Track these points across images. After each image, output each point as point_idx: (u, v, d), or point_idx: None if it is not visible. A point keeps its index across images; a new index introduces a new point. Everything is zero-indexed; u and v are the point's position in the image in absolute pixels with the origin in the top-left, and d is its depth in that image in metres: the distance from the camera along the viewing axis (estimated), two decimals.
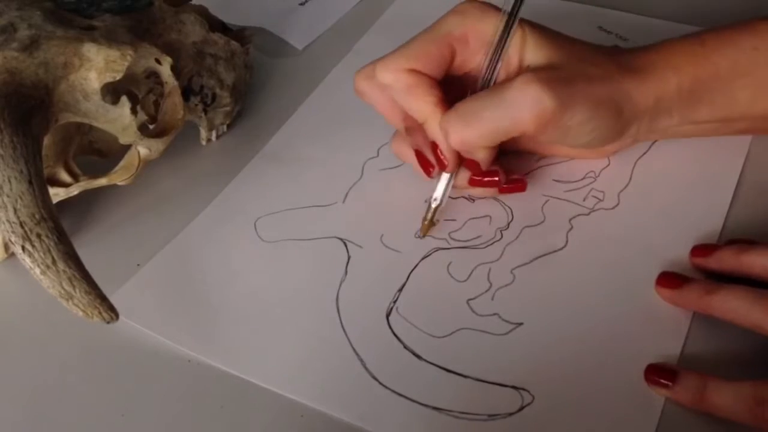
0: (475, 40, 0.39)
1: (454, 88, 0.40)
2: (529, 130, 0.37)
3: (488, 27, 0.39)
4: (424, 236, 0.42)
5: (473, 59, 0.40)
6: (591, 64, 0.39)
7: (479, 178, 0.41)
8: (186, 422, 0.36)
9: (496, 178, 0.41)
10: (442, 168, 0.40)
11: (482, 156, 0.39)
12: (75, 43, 0.40)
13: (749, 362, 0.34)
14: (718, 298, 0.34)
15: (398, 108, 0.41)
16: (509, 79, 0.38)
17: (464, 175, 0.41)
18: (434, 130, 0.39)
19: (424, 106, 0.39)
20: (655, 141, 0.44)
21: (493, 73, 0.39)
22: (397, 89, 0.39)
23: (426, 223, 0.41)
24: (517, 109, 0.37)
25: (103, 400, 0.37)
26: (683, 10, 0.53)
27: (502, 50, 0.39)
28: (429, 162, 0.41)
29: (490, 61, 0.39)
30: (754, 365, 0.34)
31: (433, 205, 0.41)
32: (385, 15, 0.58)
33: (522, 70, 0.39)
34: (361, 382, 0.36)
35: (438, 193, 0.41)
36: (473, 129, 0.38)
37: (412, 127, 0.41)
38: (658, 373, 0.34)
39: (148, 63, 0.43)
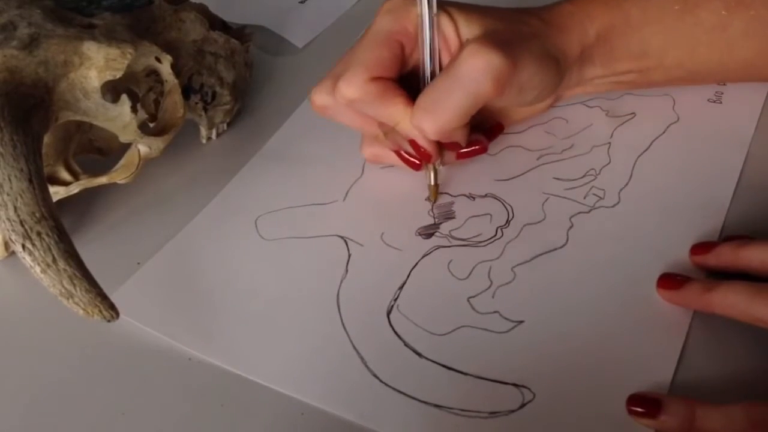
0: (414, 29, 0.40)
1: (409, 82, 0.41)
2: (491, 95, 0.38)
3: (416, 13, 0.40)
4: (434, 201, 0.43)
5: (417, 50, 0.41)
6: (520, 23, 0.41)
7: (466, 151, 0.42)
8: (186, 420, 0.35)
9: (479, 145, 0.42)
10: (427, 160, 0.41)
11: (459, 136, 0.40)
12: (75, 41, 0.40)
13: (749, 360, 0.34)
14: (717, 295, 0.34)
15: (368, 117, 0.41)
16: (454, 57, 0.39)
17: (450, 154, 0.42)
18: (409, 129, 0.40)
19: (394, 109, 0.39)
20: (655, 140, 0.44)
21: (434, 58, 0.40)
22: (366, 101, 0.39)
23: (432, 185, 0.43)
24: (475, 81, 0.38)
25: (103, 399, 0.37)
26: None
27: (431, 33, 0.40)
28: (413, 158, 0.42)
29: (426, 47, 0.40)
30: (754, 363, 0.34)
31: (432, 173, 0.42)
32: None
33: (462, 45, 0.39)
34: (361, 380, 0.36)
35: (431, 178, 0.43)
36: (443, 117, 0.38)
37: (388, 130, 0.41)
38: (640, 403, 0.32)
39: (148, 61, 0.43)
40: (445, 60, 0.41)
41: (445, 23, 0.40)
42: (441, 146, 0.41)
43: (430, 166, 0.42)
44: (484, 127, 0.44)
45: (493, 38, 0.38)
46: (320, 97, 0.41)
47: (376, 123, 0.41)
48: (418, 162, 0.42)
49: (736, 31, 0.42)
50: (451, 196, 0.43)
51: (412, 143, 0.40)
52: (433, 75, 0.41)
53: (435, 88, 0.39)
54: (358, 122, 0.42)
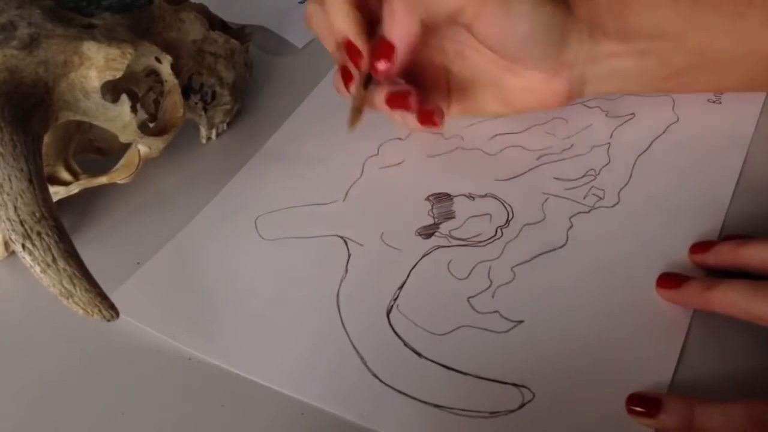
0: None
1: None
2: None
3: None
4: (352, 128, 0.41)
5: None
6: None
7: (394, 95, 0.41)
8: (186, 420, 0.36)
9: (409, 98, 0.41)
10: (356, 62, 0.40)
11: (405, 31, 0.39)
12: (75, 41, 0.40)
13: (749, 359, 0.34)
14: (717, 293, 0.34)
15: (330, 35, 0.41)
16: None
17: (380, 95, 0.41)
18: (342, 24, 0.39)
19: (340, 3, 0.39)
20: (655, 139, 0.44)
21: None
22: None
23: (354, 106, 0.41)
24: None
25: (103, 399, 0.37)
26: None
27: None
28: (349, 72, 0.41)
29: None
30: (754, 361, 0.34)
31: (357, 90, 0.41)
32: None
33: None
34: (361, 380, 0.36)
35: (355, 97, 0.41)
36: None
37: (340, 46, 0.41)
38: (640, 402, 0.32)
39: (148, 61, 0.43)
40: None
41: None
42: (372, 61, 0.40)
43: (359, 84, 0.41)
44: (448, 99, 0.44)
45: None
46: (311, 5, 0.42)
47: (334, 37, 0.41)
48: (350, 79, 0.41)
49: (757, 21, 0.40)
50: (451, 195, 0.43)
51: (347, 44, 0.40)
52: None
53: None
54: (322, 30, 0.42)
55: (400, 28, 0.39)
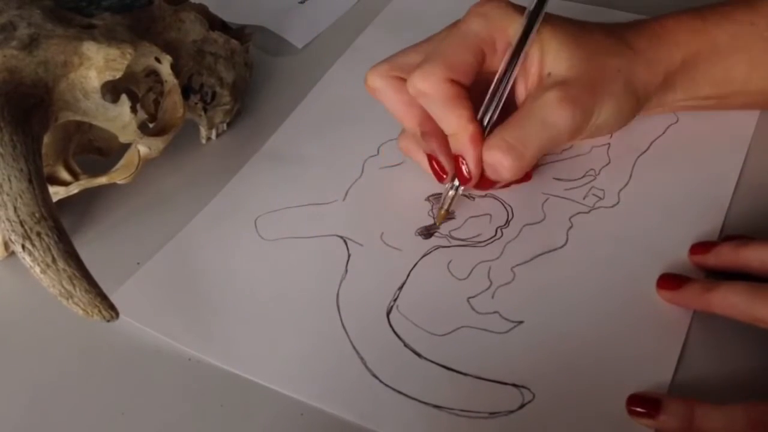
0: (501, 43, 0.39)
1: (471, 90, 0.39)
2: (565, 143, 0.39)
3: (512, 28, 0.38)
4: (439, 225, 0.42)
5: (496, 62, 0.39)
6: (609, 54, 0.39)
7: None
8: (186, 421, 0.35)
9: (528, 178, 0.42)
10: (464, 182, 0.40)
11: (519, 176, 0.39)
12: (75, 41, 0.40)
13: (749, 360, 0.34)
14: (717, 295, 0.34)
15: (415, 110, 0.40)
16: (534, 94, 0.38)
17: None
18: (462, 144, 0.38)
19: (457, 120, 0.38)
20: (655, 140, 0.44)
21: (510, 79, 0.39)
22: (435, 100, 0.38)
23: (442, 212, 0.41)
24: (556, 131, 0.37)
25: (102, 399, 0.37)
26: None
27: (520, 55, 0.38)
28: (443, 169, 0.40)
29: (507, 65, 0.39)
30: (754, 363, 0.34)
31: (451, 193, 0.41)
32: (384, 12, 0.58)
33: (543, 79, 0.39)
34: (361, 381, 0.36)
35: (446, 203, 0.41)
36: (524, 162, 0.38)
37: (429, 133, 0.40)
38: (640, 403, 0.33)
39: (148, 61, 0.43)
40: (518, 84, 0.40)
41: (534, 48, 0.38)
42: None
43: (452, 186, 0.41)
44: None
45: (576, 86, 0.38)
46: (374, 79, 0.41)
47: (418, 121, 0.40)
48: (445, 174, 0.40)
49: None
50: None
51: (456, 159, 0.39)
52: (502, 98, 0.39)
53: (521, 127, 0.38)
54: (403, 112, 0.41)
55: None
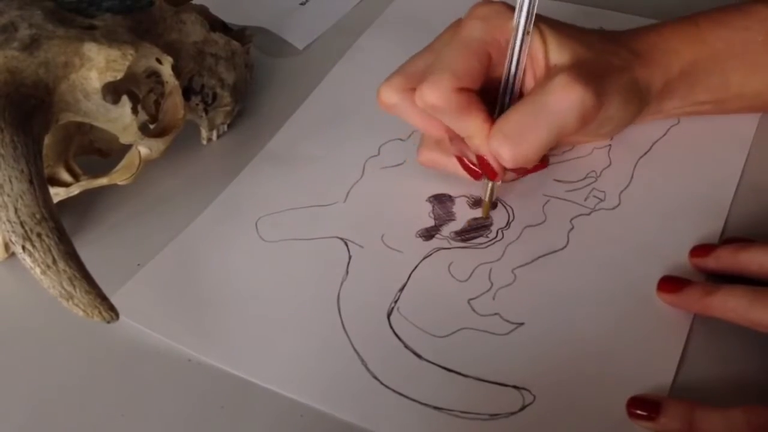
0: (505, 42, 0.39)
1: (485, 94, 0.39)
2: (575, 130, 0.37)
3: (512, 25, 0.38)
4: (486, 217, 0.42)
5: (502, 63, 0.39)
6: (610, 53, 0.39)
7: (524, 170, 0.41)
8: (186, 422, 0.35)
9: (544, 164, 0.41)
10: (492, 177, 0.40)
11: (531, 165, 0.39)
12: (76, 42, 0.40)
13: (750, 363, 0.34)
14: (717, 299, 0.34)
15: (436, 120, 0.39)
16: (540, 83, 0.38)
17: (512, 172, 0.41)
18: (481, 145, 0.38)
19: (472, 123, 0.38)
20: (656, 142, 0.44)
21: (516, 75, 0.39)
22: (447, 110, 0.38)
23: (486, 203, 0.42)
24: (562, 116, 0.36)
25: (103, 400, 0.37)
26: (686, 13, 0.53)
27: (521, 50, 0.38)
28: (476, 169, 0.40)
29: (513, 62, 0.38)
30: (754, 366, 0.34)
31: (489, 190, 0.41)
32: (385, 13, 0.58)
33: (550, 70, 0.38)
34: (362, 382, 0.36)
35: (486, 195, 0.42)
36: (523, 149, 0.37)
37: (456, 136, 0.40)
38: (640, 405, 0.33)
39: (149, 62, 0.43)
40: (528, 80, 0.39)
41: (536, 42, 0.38)
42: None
43: (489, 182, 0.41)
44: None
45: (584, 71, 0.37)
46: (388, 95, 0.40)
47: (444, 128, 0.40)
48: (480, 174, 0.40)
49: None
50: (452, 197, 0.43)
51: (480, 159, 0.39)
52: (512, 93, 0.39)
53: (519, 115, 0.37)
54: (425, 125, 0.40)
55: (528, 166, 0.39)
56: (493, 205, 0.43)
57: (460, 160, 0.41)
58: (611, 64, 0.39)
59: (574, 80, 0.36)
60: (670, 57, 0.41)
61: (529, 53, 0.38)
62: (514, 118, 0.37)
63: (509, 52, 0.38)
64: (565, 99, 0.36)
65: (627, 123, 0.42)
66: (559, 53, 0.38)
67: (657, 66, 0.40)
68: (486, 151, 0.38)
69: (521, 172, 0.41)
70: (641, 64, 0.40)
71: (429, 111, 0.38)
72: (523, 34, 0.38)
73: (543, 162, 0.41)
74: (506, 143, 0.37)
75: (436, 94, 0.37)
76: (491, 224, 0.42)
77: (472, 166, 0.40)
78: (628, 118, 0.41)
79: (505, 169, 0.39)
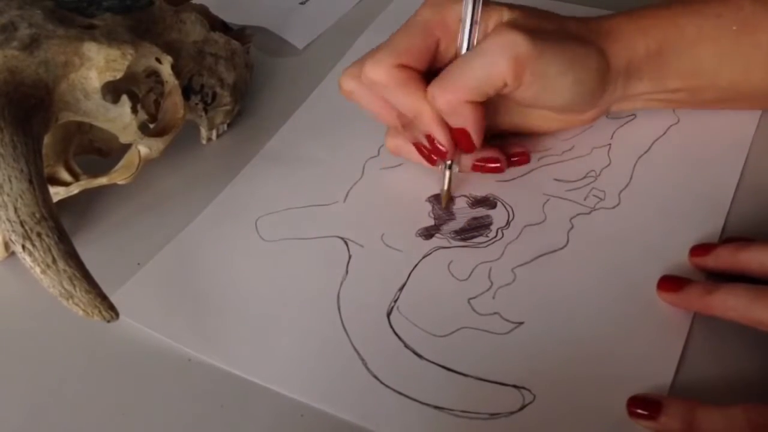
0: (454, 24, 0.40)
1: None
2: (508, 77, 0.37)
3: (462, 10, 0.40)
4: (445, 207, 0.43)
5: (454, 46, 0.40)
6: (566, 25, 0.40)
7: (481, 164, 0.42)
8: (186, 421, 0.35)
9: (498, 164, 0.42)
10: (442, 157, 0.41)
11: (470, 119, 0.39)
12: (75, 42, 0.40)
13: (750, 362, 0.34)
14: (717, 298, 0.34)
15: (390, 105, 0.41)
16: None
17: (467, 161, 0.42)
18: (426, 122, 0.39)
19: (414, 100, 0.39)
20: (656, 141, 0.44)
21: (465, 47, 0.40)
22: (388, 86, 0.39)
23: (444, 193, 0.43)
24: (492, 56, 0.37)
25: (103, 399, 0.37)
26: None
27: (471, 27, 0.39)
28: (430, 152, 0.41)
29: (465, 40, 0.39)
30: (754, 364, 0.34)
31: (446, 176, 0.42)
32: (384, 12, 0.58)
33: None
34: (361, 381, 0.36)
35: (444, 183, 0.42)
36: (455, 86, 0.38)
37: (408, 123, 0.41)
38: (641, 405, 0.33)
39: (149, 62, 0.43)
40: None
41: (493, 19, 0.39)
42: (457, 147, 0.40)
43: (446, 170, 0.42)
44: (509, 152, 0.44)
45: (528, 24, 0.38)
46: (346, 81, 0.41)
47: (395, 113, 0.41)
48: (434, 156, 0.41)
49: None
50: (452, 197, 0.43)
51: (428, 137, 0.40)
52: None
53: (454, 63, 0.39)
54: (380, 108, 0.41)
55: (466, 120, 0.39)
56: (486, 202, 0.43)
57: (416, 146, 0.42)
58: (563, 31, 0.40)
59: (510, 27, 0.37)
60: (634, 35, 0.41)
61: (483, 30, 0.39)
62: (450, 67, 0.39)
63: (459, 35, 0.39)
64: (497, 41, 0.37)
65: (588, 97, 0.41)
66: (512, 19, 0.39)
67: (617, 42, 0.40)
68: (432, 128, 0.39)
69: (468, 147, 0.40)
70: (600, 39, 0.40)
71: (374, 89, 0.40)
72: (473, 13, 0.39)
73: (523, 157, 0.43)
74: (438, 85, 0.38)
75: (376, 70, 0.39)
76: (491, 223, 0.42)
77: (426, 152, 0.41)
78: (585, 89, 0.40)
79: (453, 146, 0.40)
